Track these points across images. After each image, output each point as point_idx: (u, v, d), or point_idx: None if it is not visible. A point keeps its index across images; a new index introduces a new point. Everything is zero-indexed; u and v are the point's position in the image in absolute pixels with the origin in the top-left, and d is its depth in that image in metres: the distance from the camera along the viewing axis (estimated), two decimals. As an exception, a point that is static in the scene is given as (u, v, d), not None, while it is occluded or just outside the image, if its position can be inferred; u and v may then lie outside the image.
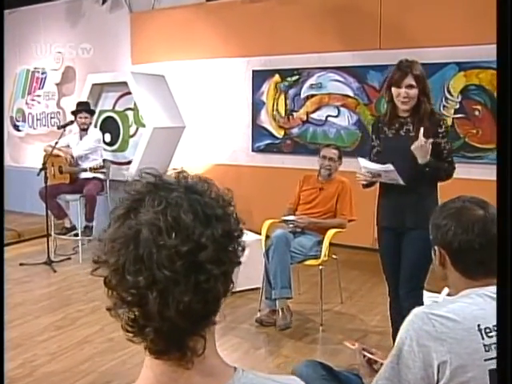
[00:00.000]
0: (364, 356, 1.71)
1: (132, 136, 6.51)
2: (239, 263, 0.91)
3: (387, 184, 3.08)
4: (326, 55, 6.28)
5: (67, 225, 6.03)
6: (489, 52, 5.35)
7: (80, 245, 5.69)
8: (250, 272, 4.81)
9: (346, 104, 6.26)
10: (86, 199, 5.70)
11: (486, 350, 1.35)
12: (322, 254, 4.07)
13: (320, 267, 4.10)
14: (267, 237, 4.33)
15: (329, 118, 6.38)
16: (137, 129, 6.45)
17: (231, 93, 6.93)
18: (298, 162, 6.56)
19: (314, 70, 6.38)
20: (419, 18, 5.66)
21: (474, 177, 5.23)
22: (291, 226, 4.18)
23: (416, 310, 1.42)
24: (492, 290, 1.40)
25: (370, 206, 5.45)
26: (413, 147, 2.83)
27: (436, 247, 1.54)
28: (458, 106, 5.62)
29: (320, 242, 4.18)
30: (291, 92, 6.56)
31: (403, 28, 5.79)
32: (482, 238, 1.45)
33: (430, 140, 2.81)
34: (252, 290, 4.81)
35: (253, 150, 6.91)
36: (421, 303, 2.99)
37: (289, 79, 6.55)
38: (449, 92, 5.64)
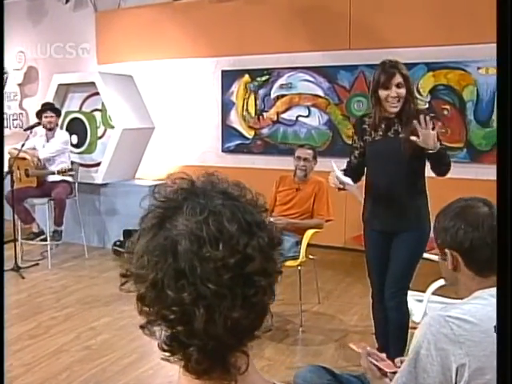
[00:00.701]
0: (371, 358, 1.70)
1: (100, 137, 6.37)
2: (281, 272, 0.86)
3: (375, 184, 3.04)
4: (295, 55, 6.27)
5: (35, 229, 5.85)
6: (457, 52, 5.47)
7: (49, 250, 5.53)
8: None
9: (317, 104, 6.27)
10: (55, 203, 5.55)
11: None
12: (301, 254, 4.06)
13: (299, 268, 4.09)
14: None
15: (299, 118, 6.38)
16: (105, 130, 6.31)
17: (200, 93, 6.86)
18: (268, 162, 6.55)
19: (283, 70, 6.37)
20: (389, 19, 5.71)
21: (444, 175, 5.33)
22: (269, 227, 4.14)
23: (432, 313, 1.41)
24: None
25: (342, 205, 5.50)
26: (420, 139, 2.68)
27: (447, 251, 1.51)
28: (427, 106, 5.70)
29: (298, 243, 4.17)
30: (261, 92, 6.54)
31: (373, 28, 5.84)
32: (493, 233, 1.44)
33: (435, 130, 2.69)
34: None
35: (223, 151, 6.86)
36: (406, 303, 3.00)
37: (259, 79, 6.53)
38: (418, 92, 5.71)
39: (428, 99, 5.69)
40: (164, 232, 0.79)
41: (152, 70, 7.01)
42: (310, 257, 4.39)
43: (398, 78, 2.82)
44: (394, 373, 1.65)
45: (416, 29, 5.58)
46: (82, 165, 6.16)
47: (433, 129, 2.65)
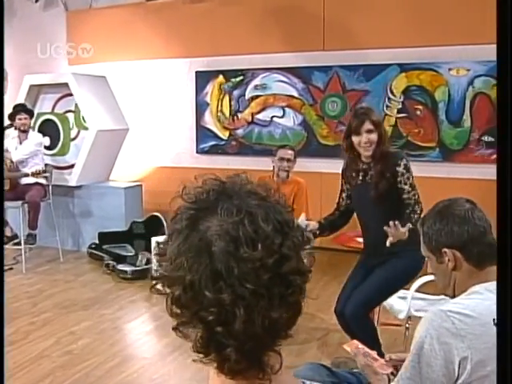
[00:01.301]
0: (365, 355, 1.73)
1: (73, 139, 6.27)
2: (311, 271, 0.87)
3: (362, 224, 3.21)
4: (269, 56, 6.30)
5: (8, 233, 5.73)
6: (429, 54, 5.59)
7: (23, 254, 5.43)
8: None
9: (291, 104, 6.31)
10: (29, 206, 5.44)
11: None
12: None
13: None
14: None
15: (274, 119, 6.41)
16: (78, 132, 6.22)
17: (174, 94, 6.83)
18: (243, 162, 6.54)
19: (258, 71, 6.40)
20: (362, 20, 5.79)
21: (417, 174, 5.37)
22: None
23: (433, 309, 1.45)
24: None
25: (317, 205, 5.55)
26: (392, 239, 2.77)
27: (446, 250, 1.55)
28: (400, 106, 5.80)
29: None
30: (236, 93, 6.55)
31: (346, 29, 5.91)
32: (483, 222, 1.52)
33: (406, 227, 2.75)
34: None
35: (197, 152, 6.84)
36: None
37: (233, 80, 6.54)
38: (391, 92, 5.81)
39: (401, 100, 5.79)
40: (197, 233, 0.79)
41: (125, 70, 6.94)
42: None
43: (368, 125, 2.95)
44: (392, 372, 1.69)
45: (389, 30, 5.67)
46: (55, 167, 6.05)
47: (403, 225, 2.71)
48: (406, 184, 2.93)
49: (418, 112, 5.76)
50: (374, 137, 2.95)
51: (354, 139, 2.99)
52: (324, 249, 5.95)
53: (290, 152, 4.34)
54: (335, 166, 5.95)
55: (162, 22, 6.68)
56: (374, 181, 2.97)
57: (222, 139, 6.69)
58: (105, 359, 3.57)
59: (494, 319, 1.40)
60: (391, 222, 2.68)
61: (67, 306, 4.49)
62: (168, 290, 0.83)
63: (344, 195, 3.25)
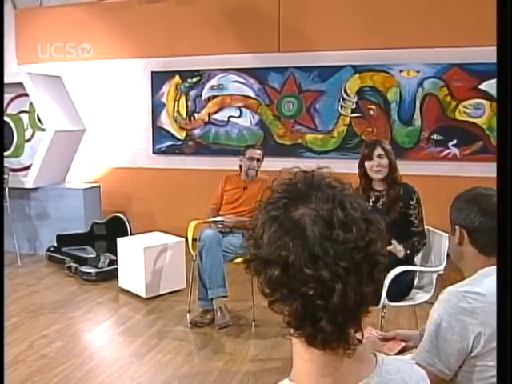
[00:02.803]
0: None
1: (28, 140, 6.13)
2: (389, 253, 0.99)
3: None
4: (226, 57, 6.39)
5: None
6: (381, 56, 5.83)
7: (-20, 259, 5.29)
8: (171, 275, 4.83)
9: (248, 105, 6.42)
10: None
11: None
12: (253, 251, 4.19)
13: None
14: (194, 239, 4.34)
15: (231, 119, 6.50)
16: (33, 133, 6.09)
17: (130, 94, 6.80)
18: (200, 162, 6.62)
19: (214, 72, 6.47)
20: (317, 23, 5.98)
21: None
22: (220, 226, 4.24)
23: (449, 290, 1.62)
24: None
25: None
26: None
27: (457, 227, 1.74)
28: (354, 106, 6.03)
29: (247, 241, 4.30)
30: (192, 93, 6.59)
31: (302, 32, 6.08)
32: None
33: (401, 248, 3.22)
34: (173, 292, 4.81)
35: (154, 152, 6.84)
36: None
37: (189, 80, 6.58)
38: (346, 93, 6.03)
39: (355, 100, 6.02)
40: (292, 219, 0.88)
41: (80, 70, 6.85)
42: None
43: (380, 150, 3.35)
44: (399, 352, 1.84)
45: (343, 33, 5.88)
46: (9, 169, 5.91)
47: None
48: (416, 218, 3.31)
49: (372, 112, 6.00)
50: (384, 162, 3.32)
51: (367, 164, 3.35)
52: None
53: (258, 152, 4.45)
54: (291, 164, 6.15)
55: (117, 21, 6.64)
56: (386, 206, 3.29)
57: (178, 139, 6.72)
58: (82, 361, 3.56)
59: None
60: (393, 241, 3.14)
61: (34, 309, 4.43)
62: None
63: None
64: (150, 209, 6.73)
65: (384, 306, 3.13)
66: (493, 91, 5.47)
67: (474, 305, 1.56)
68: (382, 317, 3.14)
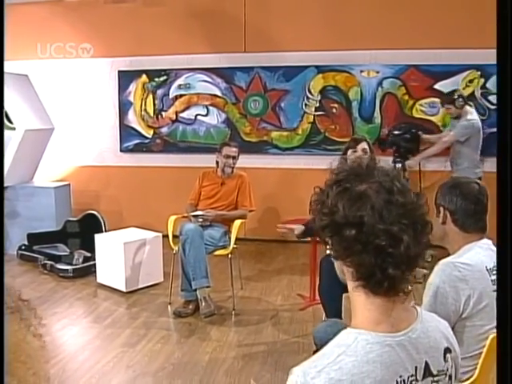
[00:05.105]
0: None
1: (-4, 140, 6.12)
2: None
3: None
4: (193, 57, 6.55)
5: None
6: (343, 57, 6.14)
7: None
8: (149, 269, 4.97)
9: (215, 103, 6.61)
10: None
11: (492, 284, 1.91)
12: (232, 243, 4.41)
13: (229, 256, 4.42)
14: (175, 236, 4.50)
15: (198, 117, 6.67)
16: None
17: (97, 93, 6.86)
18: (168, 160, 6.76)
19: (182, 71, 6.62)
20: (281, 24, 6.23)
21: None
22: (200, 220, 4.43)
23: (442, 262, 1.95)
24: (485, 242, 2.02)
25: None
26: None
27: (441, 208, 2.08)
28: (318, 105, 6.32)
29: (226, 233, 4.51)
30: (159, 92, 6.72)
31: (266, 33, 6.31)
32: (476, 204, 2.03)
33: None
34: (152, 286, 4.96)
35: (121, 151, 6.93)
36: None
37: (156, 79, 6.70)
38: (310, 92, 6.31)
39: (318, 98, 6.30)
40: (360, 189, 1.12)
41: (46, 69, 6.85)
42: (234, 246, 4.71)
43: (365, 145, 3.64)
44: None
45: (307, 34, 6.16)
46: (-23, 168, 5.89)
47: None
48: None
49: (334, 110, 6.30)
50: (367, 156, 3.54)
51: (350, 154, 3.58)
52: (248, 240, 6.33)
53: (234, 150, 4.66)
54: (258, 161, 6.40)
55: (83, 20, 6.68)
56: None
57: (146, 137, 6.83)
58: (74, 352, 3.68)
59: (485, 266, 1.93)
60: None
61: (16, 306, 4.48)
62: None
63: None
64: (118, 206, 6.82)
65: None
66: (446, 91, 5.86)
67: (464, 273, 1.90)
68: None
